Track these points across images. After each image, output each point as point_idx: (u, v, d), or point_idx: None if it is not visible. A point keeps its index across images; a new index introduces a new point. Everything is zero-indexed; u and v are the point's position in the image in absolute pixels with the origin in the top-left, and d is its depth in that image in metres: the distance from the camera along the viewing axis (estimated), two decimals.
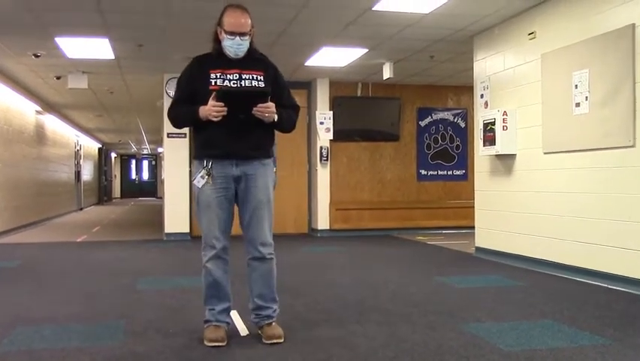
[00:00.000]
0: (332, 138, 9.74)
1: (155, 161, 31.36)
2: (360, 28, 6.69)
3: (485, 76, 6.88)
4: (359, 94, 10.14)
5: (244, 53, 3.20)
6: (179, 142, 9.34)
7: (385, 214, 10.10)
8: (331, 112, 9.74)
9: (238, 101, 3.09)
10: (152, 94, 10.76)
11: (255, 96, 3.10)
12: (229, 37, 3.14)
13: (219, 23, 3.20)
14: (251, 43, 3.21)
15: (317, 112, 9.66)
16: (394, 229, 9.97)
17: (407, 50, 7.79)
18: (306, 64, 8.53)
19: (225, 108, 3.06)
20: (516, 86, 6.29)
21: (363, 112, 10.11)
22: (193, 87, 3.19)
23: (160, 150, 20.88)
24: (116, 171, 31.61)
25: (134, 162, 32.88)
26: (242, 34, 3.14)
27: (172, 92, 9.27)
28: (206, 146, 3.18)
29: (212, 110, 3.06)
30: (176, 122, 3.33)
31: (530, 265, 5.94)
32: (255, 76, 3.20)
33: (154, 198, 28.27)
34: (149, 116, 14.67)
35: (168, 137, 9.34)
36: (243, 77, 3.18)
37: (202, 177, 3.18)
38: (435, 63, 8.58)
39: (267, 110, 3.11)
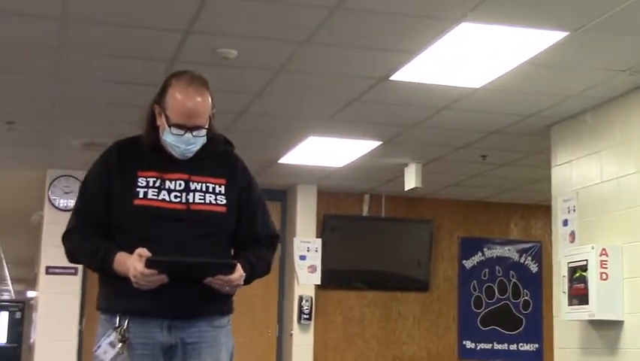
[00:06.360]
0: (319, 282, 9.74)
1: (22, 313, 30.95)
2: (369, 107, 6.83)
3: (571, 190, 6.96)
4: (365, 213, 10.26)
5: (194, 153, 3.21)
6: (65, 282, 9.26)
7: None
8: (319, 240, 9.79)
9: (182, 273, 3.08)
10: (24, 201, 10.79)
11: (214, 269, 3.09)
12: (174, 130, 3.12)
13: (158, 101, 3.18)
14: (209, 128, 3.22)
15: (295, 240, 9.70)
16: None
17: (444, 144, 7.96)
18: (281, 161, 8.65)
19: (163, 278, 3.00)
20: (622, 209, 6.36)
21: (372, 242, 10.18)
22: (106, 195, 3.17)
23: (32, 294, 20.61)
24: None
25: None
26: (195, 128, 3.14)
27: (58, 200, 9.43)
28: (121, 293, 3.12)
29: (140, 278, 2.98)
30: (74, 257, 3.27)
31: None
32: (211, 187, 3.22)
33: None
34: (18, 239, 14.64)
35: (48, 273, 9.28)
36: (192, 188, 3.18)
37: (111, 344, 3.11)
38: (489, 167, 8.74)
39: (229, 284, 3.10)
